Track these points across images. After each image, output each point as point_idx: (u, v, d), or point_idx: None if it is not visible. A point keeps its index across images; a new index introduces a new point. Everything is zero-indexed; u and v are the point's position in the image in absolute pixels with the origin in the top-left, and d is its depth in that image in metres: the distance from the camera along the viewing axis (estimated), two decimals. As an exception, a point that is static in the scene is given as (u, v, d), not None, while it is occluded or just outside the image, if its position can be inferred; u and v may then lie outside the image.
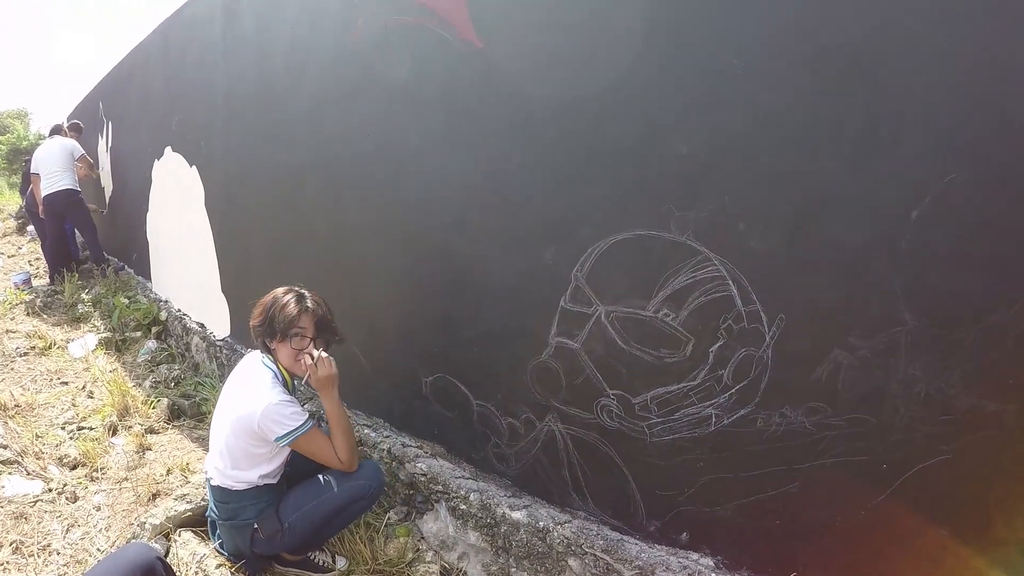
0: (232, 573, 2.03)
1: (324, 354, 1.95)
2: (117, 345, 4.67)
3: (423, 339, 2.31)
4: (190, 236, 4.24)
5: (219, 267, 3.89)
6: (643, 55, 1.55)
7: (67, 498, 2.62)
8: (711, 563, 1.63)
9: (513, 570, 1.96)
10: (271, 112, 3.06)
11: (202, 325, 4.25)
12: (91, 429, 3.25)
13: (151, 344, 4.60)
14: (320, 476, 2.04)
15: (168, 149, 4.53)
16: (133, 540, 2.19)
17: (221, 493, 1.98)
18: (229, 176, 3.66)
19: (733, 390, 1.50)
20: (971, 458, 1.26)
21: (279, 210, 3.12)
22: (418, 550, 2.20)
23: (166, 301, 5.05)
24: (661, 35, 1.52)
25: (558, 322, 1.81)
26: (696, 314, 1.53)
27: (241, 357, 3.25)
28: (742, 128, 1.42)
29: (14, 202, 15.88)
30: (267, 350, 2.04)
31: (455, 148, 2.05)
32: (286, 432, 1.87)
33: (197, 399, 3.60)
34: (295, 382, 2.08)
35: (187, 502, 2.36)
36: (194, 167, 4.07)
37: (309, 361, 1.95)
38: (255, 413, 1.86)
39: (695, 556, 1.65)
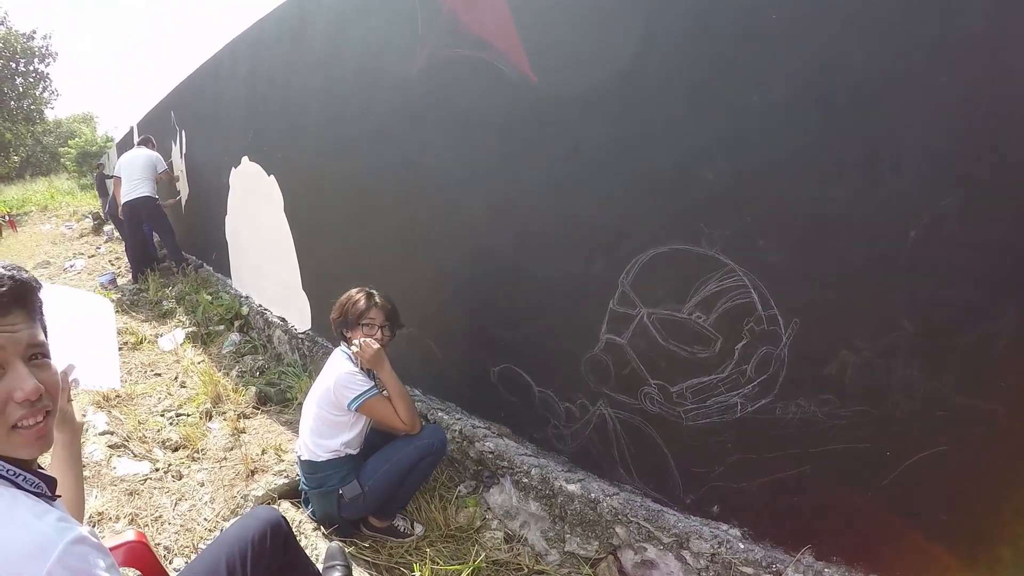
0: (326, 535, 2.31)
1: (365, 340, 2.28)
2: (203, 338, 4.96)
3: (491, 334, 2.55)
4: (271, 238, 4.52)
5: (300, 267, 4.17)
6: (677, 92, 1.74)
7: (173, 476, 2.90)
8: (738, 533, 1.81)
9: (568, 536, 2.18)
10: (343, 128, 3.32)
11: (283, 319, 4.54)
12: (188, 415, 3.52)
13: (235, 337, 4.86)
14: (391, 444, 2.34)
15: (245, 159, 4.82)
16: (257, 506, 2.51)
17: (309, 466, 2.32)
18: (307, 185, 3.92)
19: (755, 382, 1.68)
20: (965, 451, 1.38)
21: (355, 216, 3.38)
22: (485, 519, 2.44)
23: (247, 297, 5.36)
24: (693, 75, 1.70)
25: (607, 321, 2.03)
26: (723, 317, 1.72)
27: (322, 347, 3.61)
28: (761, 157, 1.59)
29: (87, 203, 16.77)
30: (344, 339, 2.42)
31: (515, 169, 2.27)
32: (356, 396, 2.22)
33: (282, 386, 3.84)
34: None
35: (284, 477, 2.67)
36: (272, 176, 4.35)
37: (355, 349, 2.29)
38: (331, 383, 2.25)
39: (725, 527, 1.84)
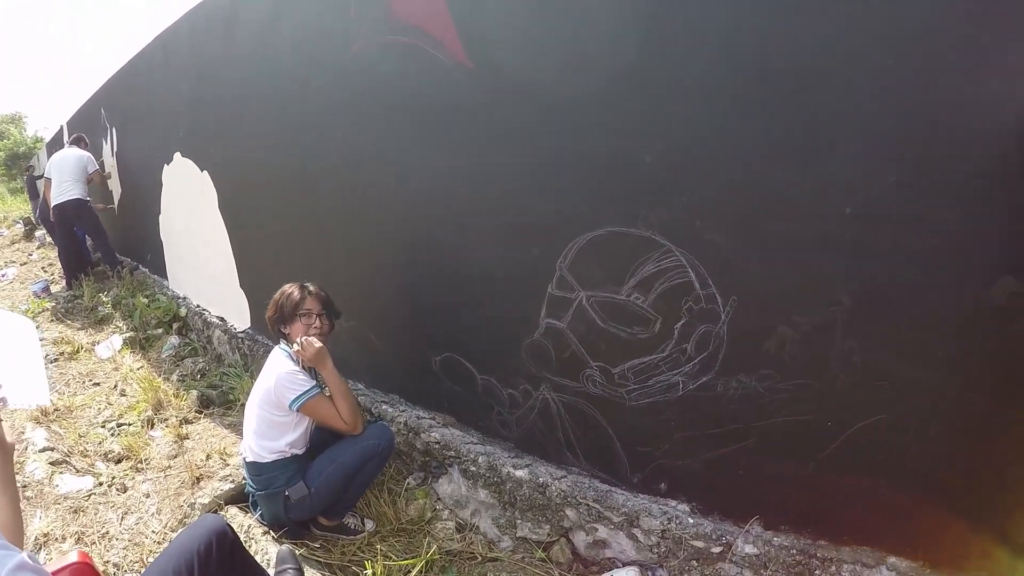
0: (275, 539, 2.24)
1: (307, 338, 2.21)
2: (141, 343, 4.79)
3: (431, 324, 2.51)
4: (206, 236, 4.38)
5: (236, 264, 4.04)
6: (613, 75, 1.70)
7: (117, 489, 2.79)
8: (687, 509, 1.84)
9: (519, 521, 2.17)
10: (279, 120, 3.19)
11: (222, 319, 4.39)
12: (130, 425, 3.41)
13: (174, 340, 4.72)
14: (337, 444, 2.29)
15: (177, 155, 4.64)
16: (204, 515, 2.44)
17: (255, 467, 2.24)
18: (241, 180, 3.79)
19: (696, 360, 1.69)
20: (904, 418, 1.43)
21: (292, 210, 3.27)
22: (435, 510, 2.41)
23: (184, 298, 5.19)
24: (628, 58, 1.67)
25: (546, 306, 2.01)
26: (662, 297, 1.72)
27: (262, 346, 3.50)
28: (698, 138, 1.58)
29: (17, 208, 15.97)
30: (283, 336, 2.34)
31: (452, 156, 2.21)
32: (297, 396, 2.16)
33: (224, 388, 3.74)
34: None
35: (230, 482, 2.57)
36: (205, 172, 4.19)
37: (296, 348, 2.21)
38: (272, 383, 2.17)
39: (673, 503, 1.87)
